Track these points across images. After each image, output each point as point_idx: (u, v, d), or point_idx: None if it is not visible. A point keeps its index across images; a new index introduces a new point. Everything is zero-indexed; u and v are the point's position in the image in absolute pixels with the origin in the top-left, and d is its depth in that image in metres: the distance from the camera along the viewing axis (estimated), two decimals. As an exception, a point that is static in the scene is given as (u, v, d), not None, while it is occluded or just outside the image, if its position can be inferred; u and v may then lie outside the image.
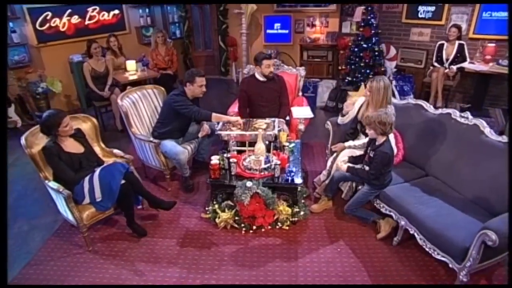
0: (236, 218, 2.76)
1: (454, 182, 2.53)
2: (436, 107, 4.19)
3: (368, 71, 4.89)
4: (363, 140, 2.87)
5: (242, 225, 2.74)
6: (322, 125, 4.62)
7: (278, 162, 2.72)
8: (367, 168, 2.58)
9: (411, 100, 3.05)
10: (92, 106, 4.70)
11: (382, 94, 2.71)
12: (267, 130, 3.01)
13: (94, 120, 2.91)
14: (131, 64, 4.96)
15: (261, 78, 3.36)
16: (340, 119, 3.13)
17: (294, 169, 2.79)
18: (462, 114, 2.64)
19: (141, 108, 3.35)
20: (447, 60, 4.62)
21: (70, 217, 2.51)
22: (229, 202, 2.83)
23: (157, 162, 3.17)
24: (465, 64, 4.54)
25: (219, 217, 2.76)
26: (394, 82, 4.93)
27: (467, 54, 4.55)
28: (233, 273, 2.38)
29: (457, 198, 2.43)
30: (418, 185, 2.59)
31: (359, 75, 4.95)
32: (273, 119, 3.19)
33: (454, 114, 2.68)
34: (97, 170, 2.53)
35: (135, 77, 4.84)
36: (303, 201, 2.92)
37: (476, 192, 2.36)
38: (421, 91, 5.03)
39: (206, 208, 2.91)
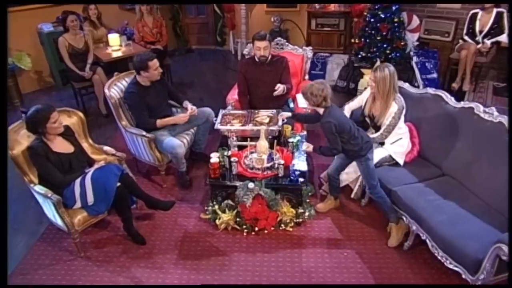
0: (238, 219, 2.90)
1: (473, 184, 2.62)
2: (461, 91, 4.13)
3: (385, 45, 4.81)
4: (373, 135, 2.93)
5: (244, 226, 2.88)
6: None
7: (282, 162, 2.81)
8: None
9: (429, 90, 3.07)
10: (70, 85, 4.68)
11: (388, 82, 2.74)
12: (270, 124, 3.07)
13: (81, 114, 2.96)
14: (114, 39, 4.86)
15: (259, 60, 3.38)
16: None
17: (298, 168, 2.89)
18: (487, 110, 2.67)
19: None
20: (480, 32, 4.43)
21: (59, 222, 2.63)
22: (230, 202, 2.95)
23: (151, 158, 3.26)
24: (503, 38, 4.31)
25: (219, 218, 2.90)
26: (415, 58, 4.88)
27: (505, 25, 4.28)
28: (235, 278, 2.55)
29: (475, 202, 2.52)
30: (432, 186, 2.69)
31: (375, 49, 4.88)
32: (276, 111, 3.23)
33: (477, 109, 2.71)
34: (90, 173, 2.62)
35: (119, 53, 4.77)
36: (308, 200, 3.04)
37: (496, 197, 2.44)
38: (447, 68, 4.95)
39: (206, 208, 3.04)
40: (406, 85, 3.26)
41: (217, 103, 4.73)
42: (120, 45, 4.90)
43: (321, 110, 2.59)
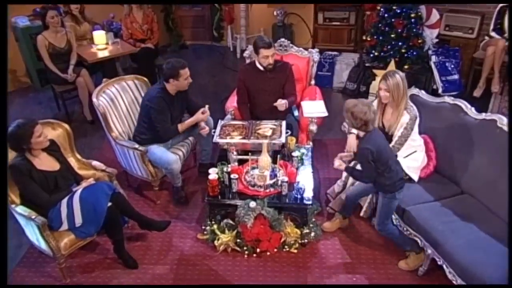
0: (238, 240, 2.97)
1: (495, 204, 2.67)
2: (487, 94, 4.09)
3: (400, 43, 4.86)
4: None
5: (245, 248, 2.96)
6: (339, 113, 4.72)
7: (285, 179, 2.89)
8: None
9: (447, 98, 3.13)
10: (49, 86, 4.72)
11: (402, 89, 2.82)
12: (273, 137, 3.15)
13: (66, 126, 3.04)
14: (99, 36, 4.89)
15: (261, 68, 3.45)
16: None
17: (304, 185, 2.97)
18: (511, 123, 2.72)
19: (121, 105, 3.48)
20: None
21: (43, 246, 2.69)
22: (229, 221, 3.03)
23: (143, 172, 3.34)
24: None
25: (218, 239, 2.98)
26: (434, 58, 4.92)
27: None
28: (235, 305, 2.65)
29: (497, 224, 2.57)
30: (450, 206, 2.75)
31: (389, 47, 4.93)
32: (280, 121, 3.31)
33: (500, 122, 2.76)
34: (78, 192, 2.69)
35: (105, 53, 4.82)
36: (313, 219, 3.12)
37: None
38: (470, 69, 4.99)
39: (203, 227, 3.12)
40: (421, 93, 3.32)
41: (215, 108, 4.80)
42: (107, 43, 4.95)
43: (360, 133, 2.60)
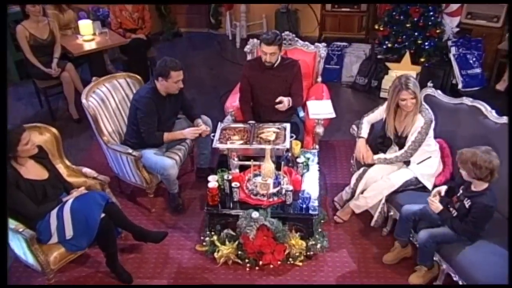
0: (239, 252, 3.06)
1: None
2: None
3: (416, 33, 4.90)
4: (396, 153, 3.09)
5: (247, 260, 3.04)
6: (348, 111, 4.83)
7: (290, 188, 2.98)
8: (454, 212, 2.68)
9: (466, 100, 3.18)
10: (32, 82, 4.74)
11: (418, 86, 2.90)
12: (276, 142, 3.22)
13: (54, 130, 3.10)
14: (85, 26, 4.90)
15: (267, 64, 3.50)
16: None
17: (309, 193, 3.04)
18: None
19: (112, 106, 3.55)
20: None
21: (31, 261, 2.75)
22: (230, 232, 3.12)
23: (137, 178, 3.42)
24: None
25: (218, 251, 3.07)
26: (453, 49, 4.94)
27: None
28: (236, 322, 2.75)
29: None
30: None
31: (404, 38, 4.97)
32: (284, 124, 3.38)
33: (523, 127, 2.81)
34: (69, 202, 2.77)
35: (93, 45, 4.84)
36: (320, 229, 3.19)
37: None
38: (494, 62, 5.01)
39: (202, 238, 3.20)
40: (437, 93, 3.38)
41: (213, 105, 4.90)
42: (94, 34, 4.95)
43: (480, 186, 2.54)
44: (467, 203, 2.59)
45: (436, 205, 2.68)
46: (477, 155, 2.46)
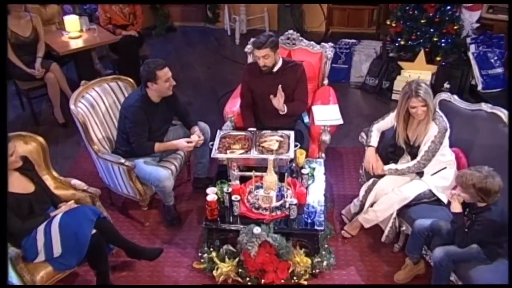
0: (240, 270, 3.11)
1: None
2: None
3: (431, 30, 4.93)
4: (408, 164, 3.14)
5: (248, 279, 3.09)
6: (357, 114, 4.88)
7: (294, 202, 3.04)
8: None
9: (484, 105, 3.23)
10: (13, 83, 4.75)
11: (432, 95, 2.97)
12: (279, 151, 3.28)
13: (40, 139, 3.15)
14: (71, 22, 4.93)
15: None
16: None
17: (315, 207, 3.11)
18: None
19: (102, 110, 3.61)
20: None
21: (16, 281, 2.75)
22: (230, 248, 3.17)
23: (130, 190, 3.49)
24: None
25: (217, 269, 3.12)
26: (473, 47, 4.95)
27: None
28: None
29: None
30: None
31: (419, 34, 4.99)
32: (287, 132, 3.44)
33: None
34: (57, 217, 2.81)
35: (80, 43, 4.89)
36: (326, 245, 3.25)
37: None
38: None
39: (200, 254, 3.25)
40: (453, 98, 3.43)
41: (211, 108, 4.95)
42: (81, 30, 4.99)
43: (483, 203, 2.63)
44: (475, 219, 2.69)
45: (456, 204, 2.71)
46: (487, 179, 2.53)
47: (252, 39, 4.04)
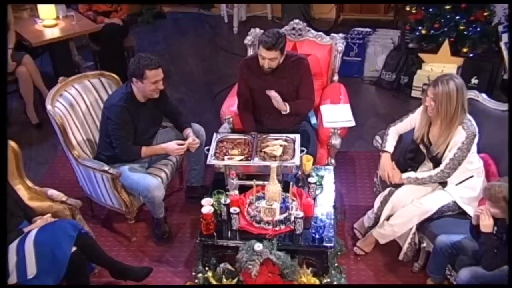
0: (239, 292, 3.16)
1: None
2: None
3: (458, 17, 4.91)
4: (430, 172, 3.15)
5: (247, 301, 3.15)
6: (371, 114, 4.88)
7: (300, 214, 3.04)
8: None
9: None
10: None
11: (455, 101, 2.91)
12: (283, 158, 3.30)
13: (13, 144, 3.15)
14: (46, 8, 4.89)
15: None
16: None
17: (323, 221, 3.10)
18: None
19: (82, 109, 3.62)
20: None
21: None
22: (228, 266, 3.18)
23: (115, 201, 3.49)
24: None
25: (213, 290, 3.17)
26: (505, 37, 4.90)
27: None
28: None
29: None
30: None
31: (443, 21, 4.97)
32: (292, 136, 3.45)
33: None
34: (32, 234, 2.81)
35: (56, 32, 4.89)
36: (336, 263, 3.27)
37: None
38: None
39: (194, 273, 3.26)
40: (481, 97, 3.44)
41: (206, 107, 4.97)
42: (57, 18, 4.99)
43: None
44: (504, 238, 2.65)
45: (487, 221, 2.62)
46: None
47: (252, 29, 4.11)
